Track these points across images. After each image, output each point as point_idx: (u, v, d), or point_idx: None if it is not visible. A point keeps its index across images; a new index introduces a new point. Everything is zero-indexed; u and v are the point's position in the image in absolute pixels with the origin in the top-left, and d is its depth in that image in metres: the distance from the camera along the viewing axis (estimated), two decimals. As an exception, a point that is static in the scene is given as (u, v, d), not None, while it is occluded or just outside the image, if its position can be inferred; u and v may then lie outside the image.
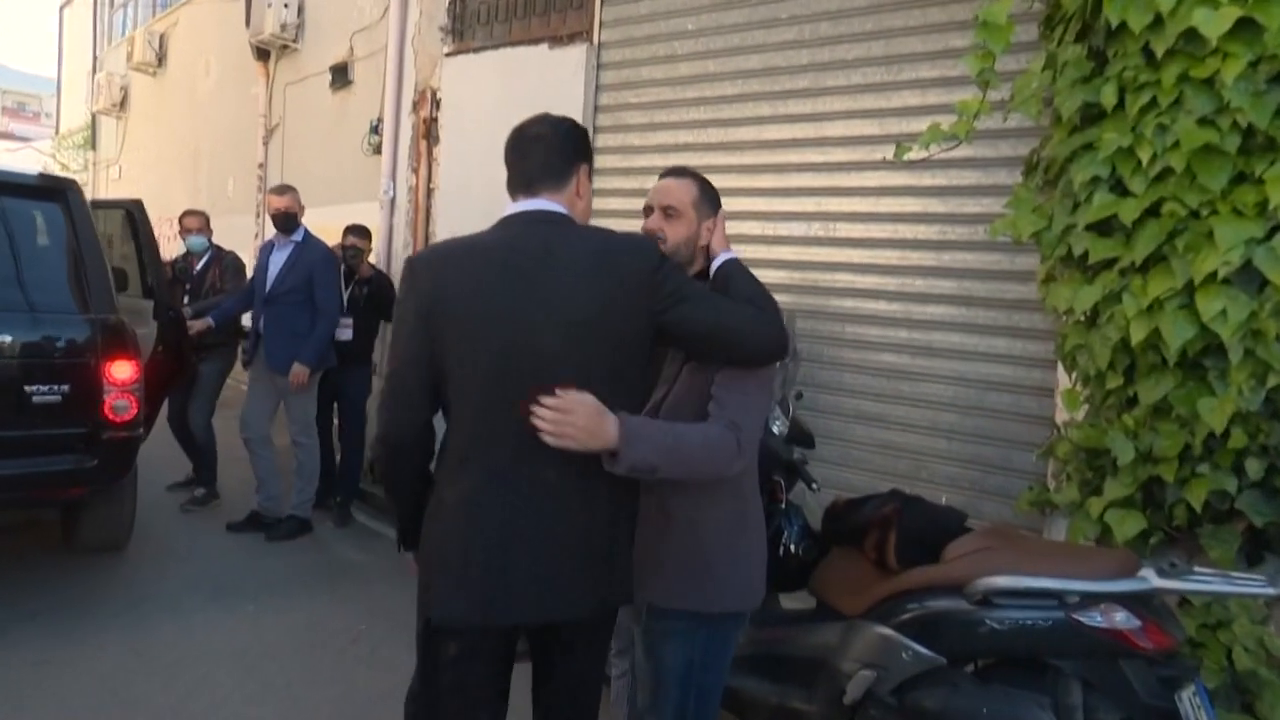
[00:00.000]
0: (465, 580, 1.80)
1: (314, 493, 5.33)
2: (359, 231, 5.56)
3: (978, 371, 3.89)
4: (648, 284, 1.83)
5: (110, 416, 3.87)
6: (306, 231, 5.16)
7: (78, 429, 3.81)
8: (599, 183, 5.19)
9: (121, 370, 3.90)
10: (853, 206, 4.25)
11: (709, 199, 2.19)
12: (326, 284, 5.03)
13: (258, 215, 10.75)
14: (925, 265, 4.03)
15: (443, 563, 1.83)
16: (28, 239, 3.84)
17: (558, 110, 6.00)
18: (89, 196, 4.87)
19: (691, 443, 1.87)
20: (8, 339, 3.62)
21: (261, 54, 10.51)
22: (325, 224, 6.45)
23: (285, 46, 10.21)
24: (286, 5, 9.91)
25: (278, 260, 5.07)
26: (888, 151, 4.19)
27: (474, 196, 5.67)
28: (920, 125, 4.03)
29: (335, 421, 5.76)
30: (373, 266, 5.62)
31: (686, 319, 1.86)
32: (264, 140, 10.75)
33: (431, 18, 5.87)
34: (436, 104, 5.82)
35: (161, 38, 13.57)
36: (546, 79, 5.31)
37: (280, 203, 5.04)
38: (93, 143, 16.80)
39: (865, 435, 4.19)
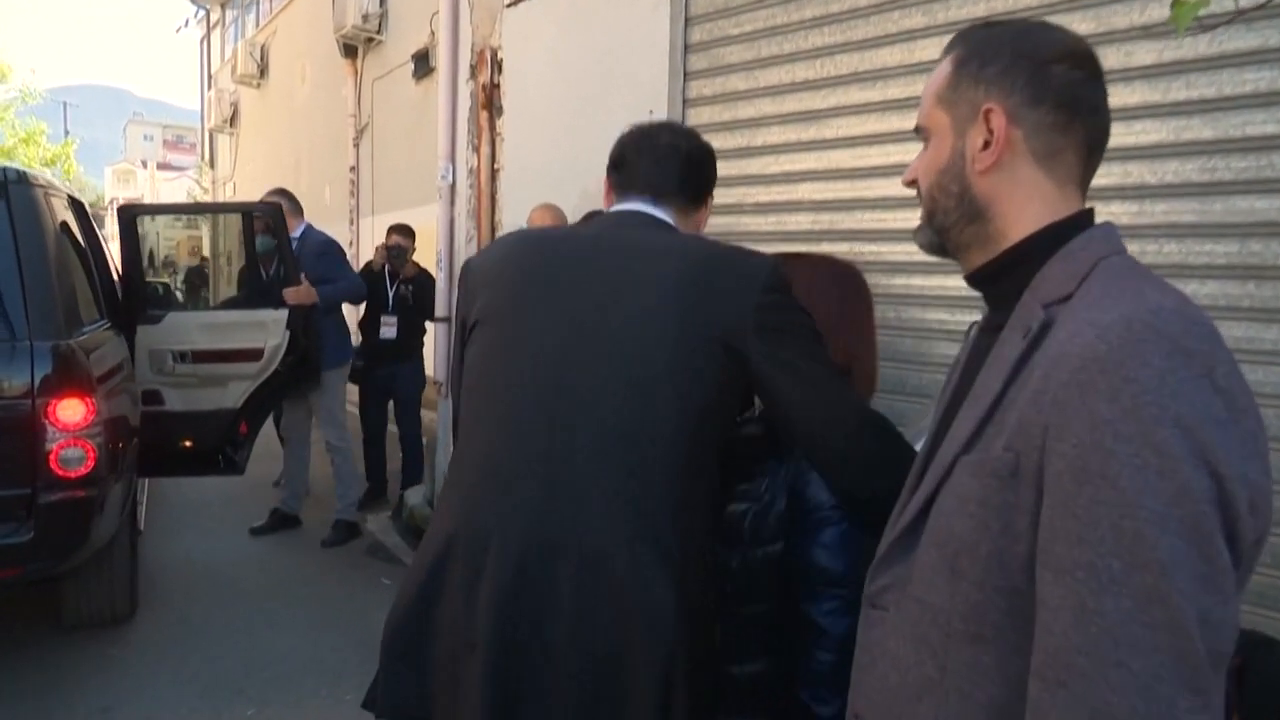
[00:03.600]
0: (419, 663, 1.37)
1: (357, 496, 5.25)
2: (403, 231, 5.63)
3: None
4: (744, 312, 1.31)
5: (57, 471, 2.99)
6: (306, 227, 5.15)
7: (13, 490, 2.94)
8: (692, 143, 4.00)
9: (70, 411, 3.02)
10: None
11: (984, 74, 0.94)
12: (330, 264, 4.99)
13: (351, 222, 10.14)
14: (1182, 222, 2.65)
15: (393, 633, 1.40)
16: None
17: (638, 55, 4.61)
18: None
19: None
20: (-92, 377, 2.78)
21: (349, 50, 9.91)
22: (417, 227, 5.86)
23: (370, 40, 9.57)
24: (368, -6, 9.23)
25: None
26: (1114, 57, 2.84)
27: (543, 175, 4.60)
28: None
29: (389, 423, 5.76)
30: (417, 265, 5.62)
31: (774, 380, 1.31)
32: (354, 142, 10.14)
33: (489, -38, 4.83)
34: (498, 66, 4.78)
35: (262, 49, 13.30)
36: (623, 18, 4.17)
37: None
38: (211, 161, 16.89)
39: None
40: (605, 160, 4.60)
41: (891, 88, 3.28)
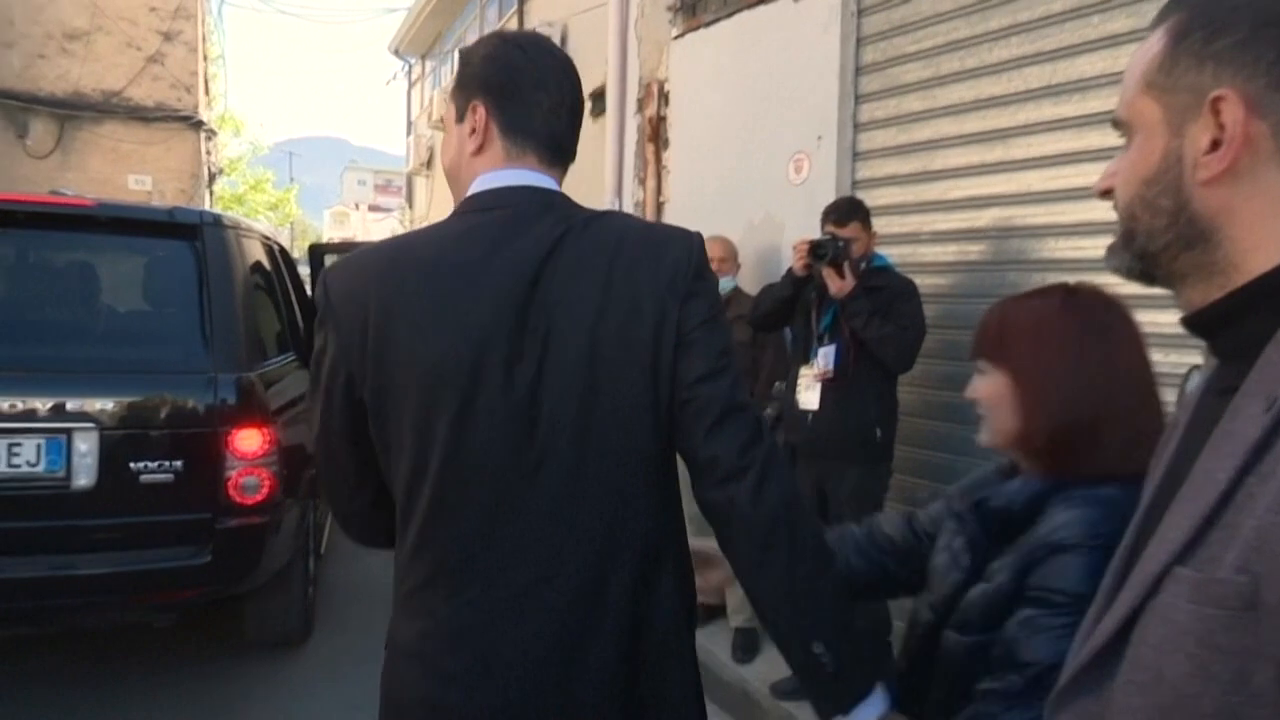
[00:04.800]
0: None
1: None
2: None
3: None
4: (677, 292, 1.15)
5: (235, 499, 3.13)
6: None
7: (194, 515, 3.10)
8: (864, 169, 3.78)
9: (248, 441, 3.16)
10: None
11: (1213, 49, 0.68)
12: None
13: (531, 257, 10.47)
14: None
15: None
16: (146, 285, 3.26)
17: (807, 80, 4.34)
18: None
19: None
20: (108, 404, 3.00)
21: (532, 92, 10.32)
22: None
23: (551, 81, 9.90)
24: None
25: None
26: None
27: (709, 206, 4.50)
28: None
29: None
30: None
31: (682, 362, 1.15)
32: (535, 180, 10.51)
33: (657, -4, 4.82)
34: (665, 99, 4.74)
35: (456, 95, 14.09)
36: (790, 42, 4.01)
37: None
38: (410, 201, 18.05)
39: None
40: (770, 190, 4.38)
41: (1091, 100, 2.94)
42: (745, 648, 3.70)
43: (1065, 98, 3.02)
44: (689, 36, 4.64)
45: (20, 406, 2.95)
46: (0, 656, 3.65)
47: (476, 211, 1.19)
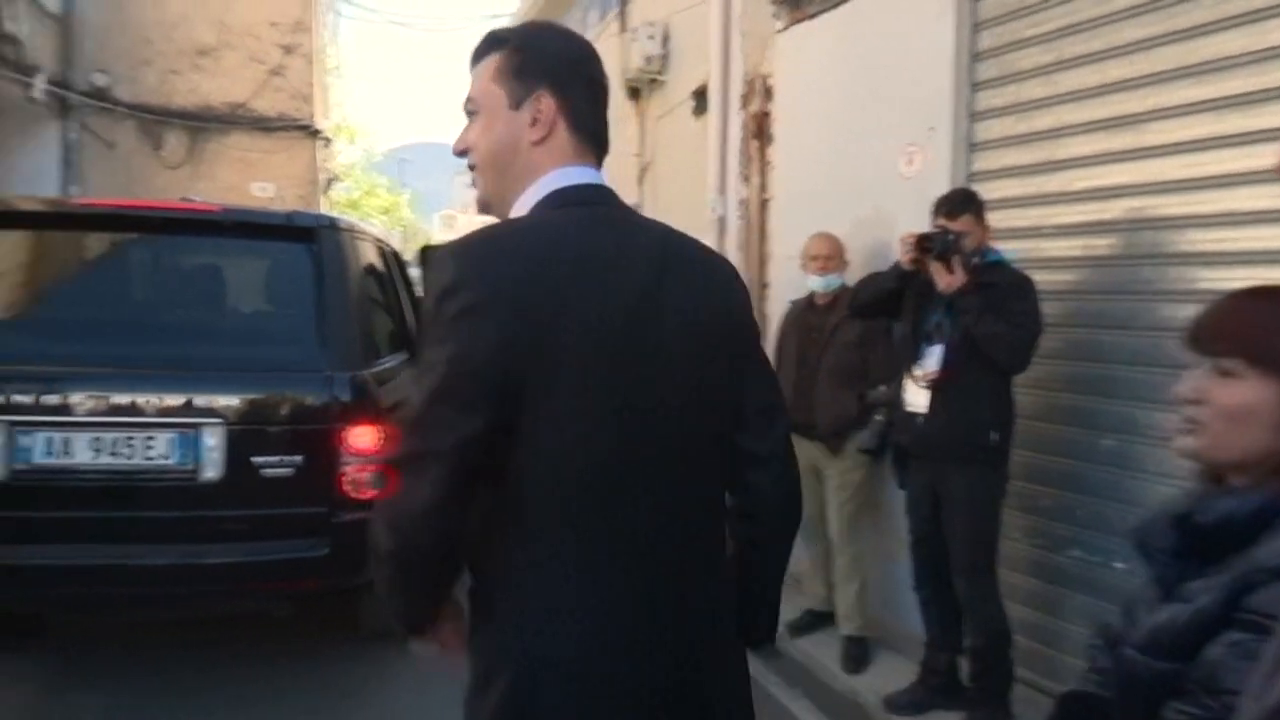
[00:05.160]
0: None
1: None
2: None
3: None
4: (748, 307, 1.33)
5: (350, 494, 3.23)
6: None
7: (312, 509, 3.21)
8: (980, 160, 3.62)
9: (363, 438, 3.25)
10: None
11: None
12: None
13: (633, 257, 10.48)
14: None
15: None
16: (267, 286, 3.39)
17: (918, 69, 4.30)
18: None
19: None
20: (233, 401, 3.13)
21: (633, 92, 10.31)
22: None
23: (653, 80, 9.88)
24: (651, 37, 9.56)
25: None
26: None
27: (814, 203, 4.39)
28: None
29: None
30: None
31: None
32: (638, 180, 10.52)
33: (761, -11, 4.74)
34: (768, 94, 4.65)
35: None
36: (900, 29, 3.88)
37: None
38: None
39: None
40: (880, 184, 4.25)
41: (1232, 80, 2.73)
42: (856, 658, 3.60)
43: (1203, 79, 2.81)
44: (793, 29, 4.55)
45: (155, 403, 3.11)
46: (108, 638, 3.87)
47: (575, 206, 1.18)
